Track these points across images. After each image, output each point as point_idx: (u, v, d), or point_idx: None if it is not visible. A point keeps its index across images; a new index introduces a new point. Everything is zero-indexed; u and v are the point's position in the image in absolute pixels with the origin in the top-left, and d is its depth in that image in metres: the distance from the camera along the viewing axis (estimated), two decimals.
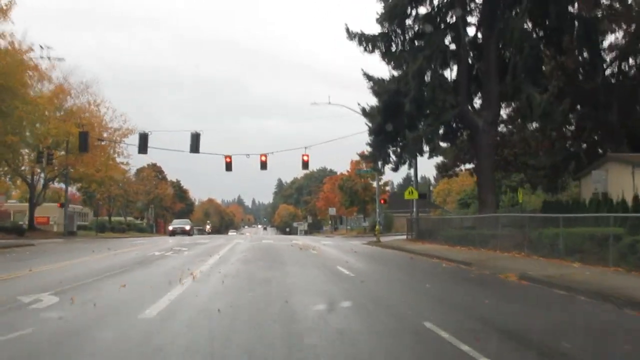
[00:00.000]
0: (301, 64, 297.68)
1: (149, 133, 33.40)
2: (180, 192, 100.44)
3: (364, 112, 31.99)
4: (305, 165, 44.12)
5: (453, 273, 14.06)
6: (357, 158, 50.84)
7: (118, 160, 50.52)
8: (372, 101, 31.46)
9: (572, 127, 36.19)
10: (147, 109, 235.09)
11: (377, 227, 30.91)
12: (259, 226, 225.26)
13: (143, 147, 33.33)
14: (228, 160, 44.16)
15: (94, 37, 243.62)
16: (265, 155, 43.98)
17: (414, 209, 34.70)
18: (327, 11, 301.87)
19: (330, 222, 74.92)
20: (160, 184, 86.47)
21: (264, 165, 43.43)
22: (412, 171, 35.29)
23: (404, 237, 34.79)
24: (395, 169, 32.79)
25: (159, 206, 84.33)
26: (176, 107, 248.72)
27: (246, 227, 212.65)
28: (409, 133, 28.21)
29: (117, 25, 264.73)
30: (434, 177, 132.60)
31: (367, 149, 33.98)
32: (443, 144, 32.66)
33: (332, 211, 63.39)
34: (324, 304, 8.27)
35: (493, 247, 19.21)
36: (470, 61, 29.85)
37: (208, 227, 60.05)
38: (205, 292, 9.67)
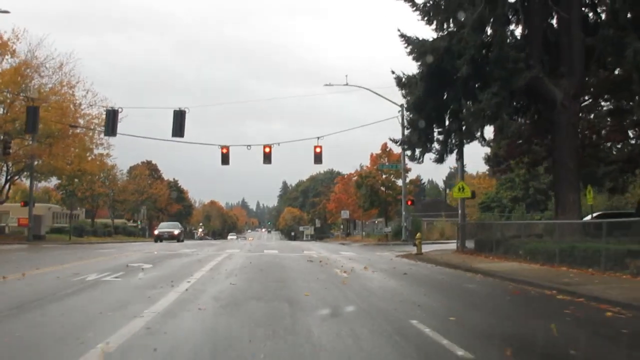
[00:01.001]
0: (305, 68, 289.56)
1: (120, 110, 25.90)
2: (177, 193, 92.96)
3: (399, 83, 24.37)
4: (317, 158, 36.94)
5: None
6: (378, 151, 43.19)
7: (97, 152, 43.07)
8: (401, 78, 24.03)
9: None
10: (148, 110, 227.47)
11: (418, 234, 23.15)
12: (263, 230, 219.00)
13: (111, 127, 25.80)
14: (224, 151, 37.11)
15: (95, 40, 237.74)
16: (270, 147, 36.88)
17: (460, 211, 27.08)
18: (329, 11, 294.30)
19: (341, 226, 67.05)
20: (155, 183, 79.05)
21: (267, 158, 36.35)
22: (457, 164, 27.57)
23: (448, 246, 27.17)
24: (440, 160, 25.20)
25: (152, 207, 76.82)
26: (171, 105, 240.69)
27: (249, 230, 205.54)
28: (467, 105, 20.61)
29: (118, 28, 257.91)
30: (443, 180, 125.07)
31: (393, 136, 26.36)
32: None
33: (345, 214, 55.62)
34: None
35: None
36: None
37: (200, 230, 51.89)
38: None
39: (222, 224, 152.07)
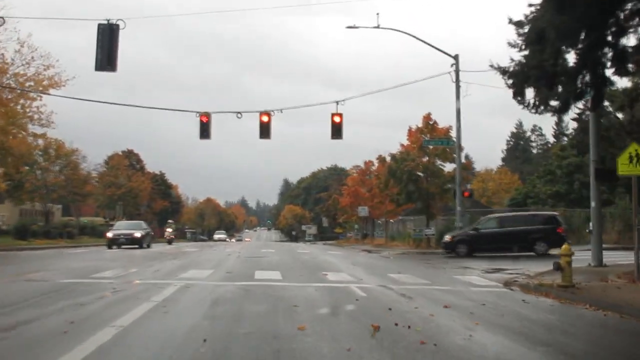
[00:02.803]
0: (302, 66, 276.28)
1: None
2: (164, 187, 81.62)
3: None
4: (336, 130, 26.37)
5: None
6: (419, 124, 31.53)
7: (31, 128, 31.79)
8: None
9: None
10: (141, 108, 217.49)
11: (565, 246, 11.56)
12: (263, 228, 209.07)
13: None
14: (204, 120, 26.40)
15: (85, 36, 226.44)
16: (269, 115, 26.16)
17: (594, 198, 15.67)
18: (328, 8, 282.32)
19: (356, 226, 55.54)
20: (135, 175, 67.78)
21: (264, 131, 25.78)
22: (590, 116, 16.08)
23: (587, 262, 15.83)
24: (563, 107, 14.42)
25: (132, 203, 65.42)
26: (167, 105, 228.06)
27: (247, 230, 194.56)
28: None
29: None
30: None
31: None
32: None
33: (364, 211, 44.25)
34: None
35: None
36: None
37: (169, 231, 39.71)
38: None
39: (219, 222, 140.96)
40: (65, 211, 71.25)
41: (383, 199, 39.28)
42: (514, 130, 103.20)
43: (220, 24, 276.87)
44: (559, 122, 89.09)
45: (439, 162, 30.39)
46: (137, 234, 30.35)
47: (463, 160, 29.43)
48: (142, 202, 67.03)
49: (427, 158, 30.33)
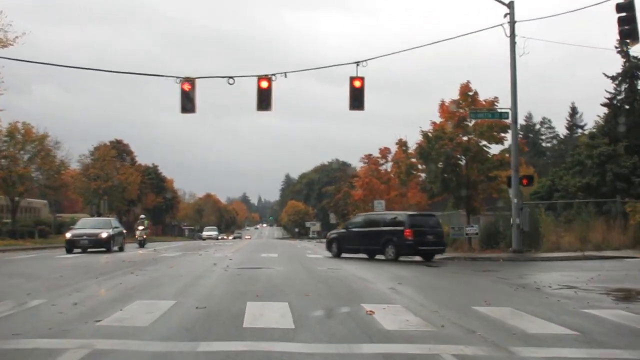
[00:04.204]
0: (298, 61, 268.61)
1: None
2: (157, 181, 75.50)
3: None
4: (357, 98, 20.72)
5: None
6: (454, 97, 25.17)
7: None
8: None
9: None
10: (138, 105, 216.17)
11: None
12: (264, 225, 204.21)
13: None
14: (187, 88, 20.57)
15: (79, 33, 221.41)
16: (268, 80, 20.14)
17: None
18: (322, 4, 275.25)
19: None
20: (124, 167, 61.77)
21: (264, 100, 19.86)
22: None
23: None
24: None
25: (119, 198, 59.33)
26: (168, 104, 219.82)
27: (247, 227, 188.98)
28: None
29: (104, 20, 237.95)
30: None
31: None
32: None
33: (380, 206, 38.13)
34: None
35: None
36: None
37: (140, 229, 32.48)
38: None
39: (219, 219, 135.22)
40: (56, 208, 65.56)
41: (405, 191, 33.15)
42: (523, 123, 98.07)
43: (218, 21, 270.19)
44: (573, 114, 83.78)
45: (483, 142, 24.21)
46: (104, 234, 24.17)
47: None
48: (130, 196, 60.95)
49: (468, 137, 24.15)
